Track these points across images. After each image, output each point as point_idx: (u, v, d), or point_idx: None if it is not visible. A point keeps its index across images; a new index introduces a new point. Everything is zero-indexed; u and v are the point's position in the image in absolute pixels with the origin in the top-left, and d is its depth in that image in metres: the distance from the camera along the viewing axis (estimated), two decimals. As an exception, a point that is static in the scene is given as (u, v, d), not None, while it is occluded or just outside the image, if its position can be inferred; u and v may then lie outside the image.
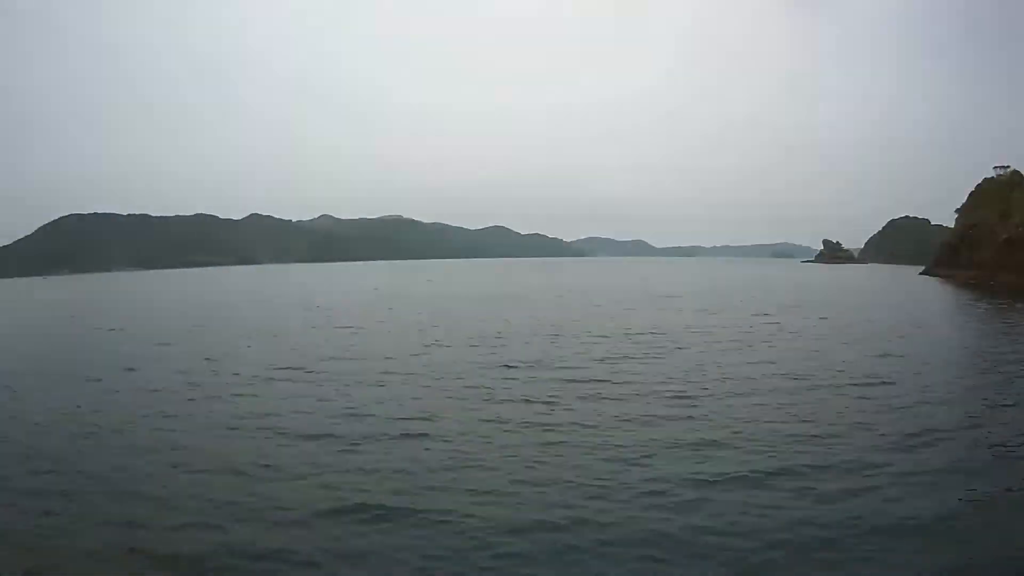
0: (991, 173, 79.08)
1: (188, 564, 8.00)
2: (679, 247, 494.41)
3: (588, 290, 67.58)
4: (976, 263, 66.81)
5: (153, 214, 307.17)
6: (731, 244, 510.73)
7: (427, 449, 12.49)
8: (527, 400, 16.67)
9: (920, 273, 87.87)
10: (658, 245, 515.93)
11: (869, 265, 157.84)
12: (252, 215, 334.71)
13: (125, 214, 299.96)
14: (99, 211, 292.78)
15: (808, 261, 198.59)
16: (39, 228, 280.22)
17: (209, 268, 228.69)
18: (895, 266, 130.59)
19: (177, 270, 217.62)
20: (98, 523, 9.14)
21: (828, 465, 11.45)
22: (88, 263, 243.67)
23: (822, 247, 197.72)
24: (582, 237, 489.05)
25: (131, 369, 22.18)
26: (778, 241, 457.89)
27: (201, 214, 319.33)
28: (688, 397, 16.89)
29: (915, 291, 62.80)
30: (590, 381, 18.96)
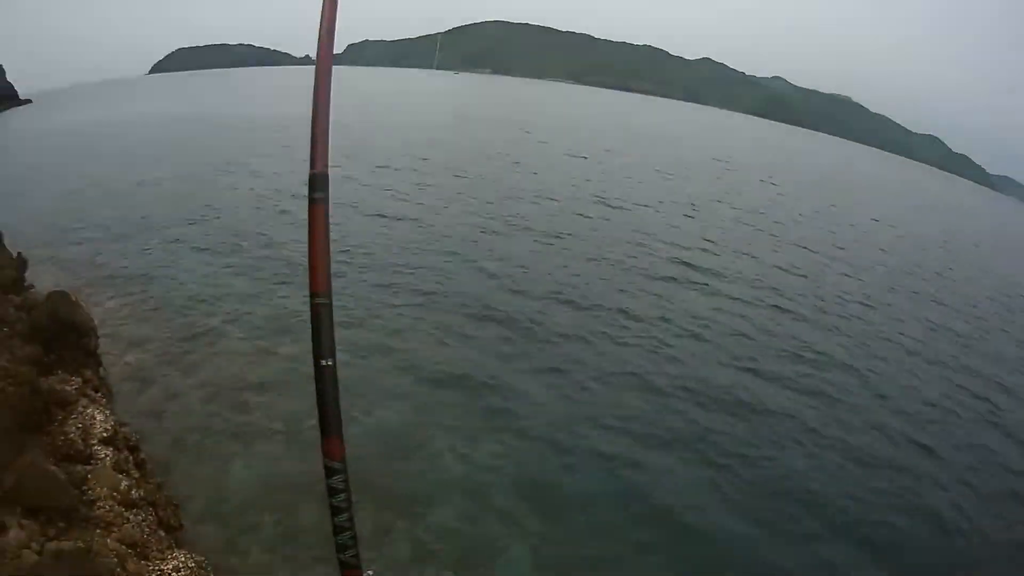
0: None
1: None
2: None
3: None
4: None
5: (596, 35, 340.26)
6: None
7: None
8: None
9: None
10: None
11: None
12: (705, 59, 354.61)
13: (564, 30, 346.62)
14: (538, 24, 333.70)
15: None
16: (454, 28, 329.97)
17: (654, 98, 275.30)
18: None
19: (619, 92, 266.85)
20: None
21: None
22: (516, 68, 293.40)
23: None
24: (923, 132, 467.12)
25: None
26: None
27: (650, 46, 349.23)
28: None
29: None
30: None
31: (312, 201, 1.53)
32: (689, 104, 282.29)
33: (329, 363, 1.47)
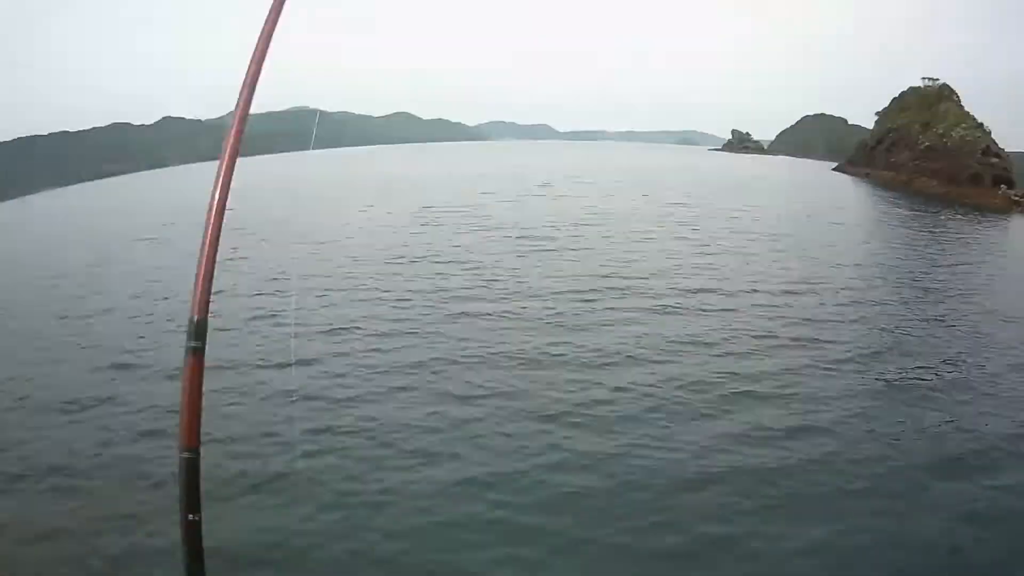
0: (917, 83, 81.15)
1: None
2: (583, 131, 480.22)
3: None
4: (893, 166, 71.20)
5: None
6: (635, 130, 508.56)
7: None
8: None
9: (832, 169, 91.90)
10: (562, 129, 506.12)
11: (778, 157, 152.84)
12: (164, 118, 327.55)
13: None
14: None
15: (715, 150, 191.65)
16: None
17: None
18: (807, 160, 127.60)
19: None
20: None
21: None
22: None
23: (730, 136, 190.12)
24: (484, 121, 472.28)
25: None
26: (683, 128, 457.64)
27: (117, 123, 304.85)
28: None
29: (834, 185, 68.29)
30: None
31: (191, 351, 1.46)
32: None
33: (196, 518, 1.46)
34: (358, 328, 15.43)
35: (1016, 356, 14.56)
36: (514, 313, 16.82)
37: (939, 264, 28.06)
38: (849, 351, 14.57)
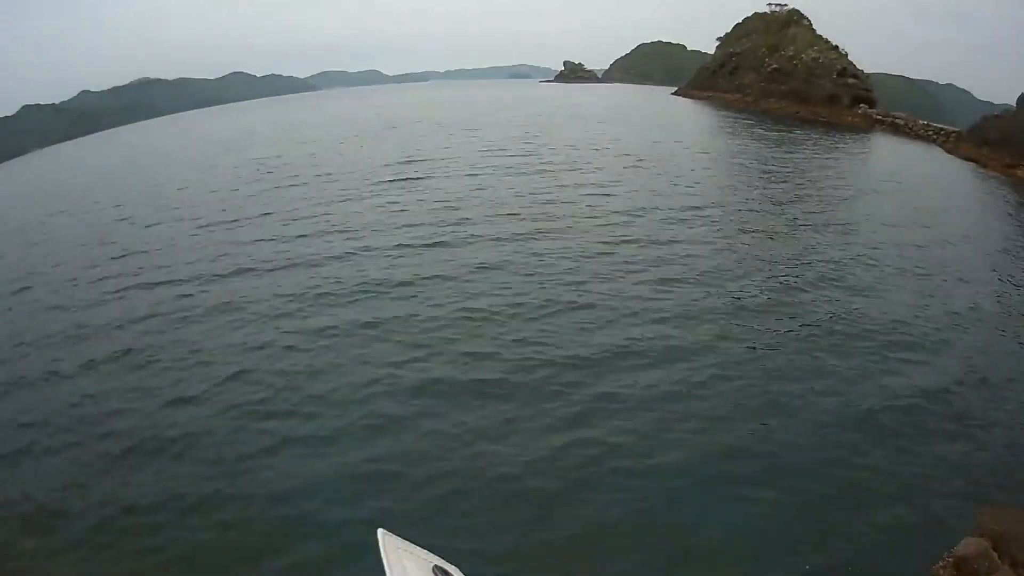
0: (763, 9, 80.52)
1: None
2: (412, 73, 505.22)
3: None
4: (737, 88, 69.94)
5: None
6: (466, 68, 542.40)
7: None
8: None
9: (672, 94, 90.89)
10: (391, 73, 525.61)
11: (614, 84, 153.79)
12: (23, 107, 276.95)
13: None
14: None
15: (547, 81, 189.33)
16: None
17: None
18: (644, 86, 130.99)
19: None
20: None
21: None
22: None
23: (562, 68, 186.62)
24: (316, 73, 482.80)
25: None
26: (516, 63, 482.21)
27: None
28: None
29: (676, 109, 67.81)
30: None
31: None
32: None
33: None
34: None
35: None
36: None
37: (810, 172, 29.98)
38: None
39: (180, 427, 10.43)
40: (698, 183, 26.82)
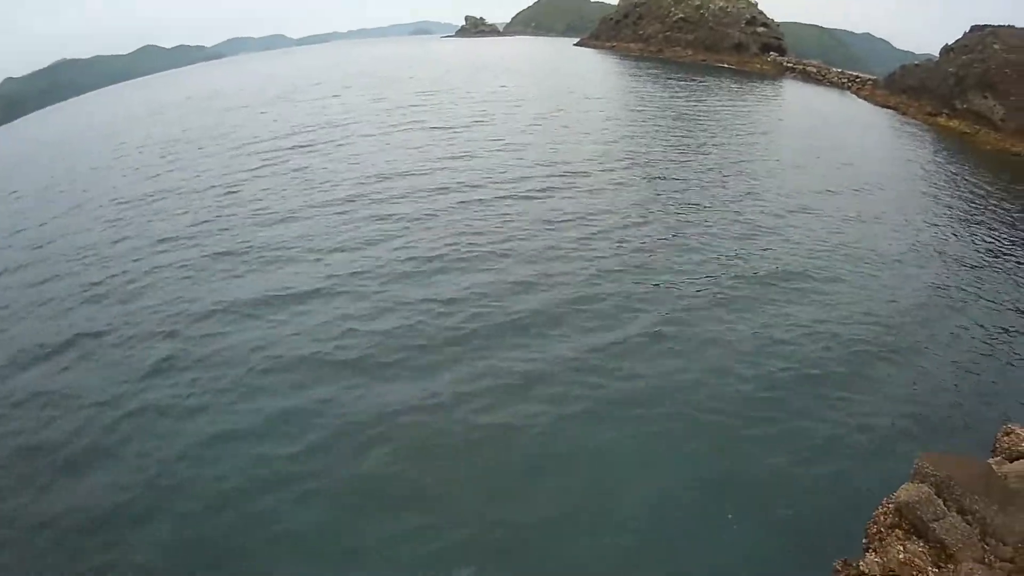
0: None
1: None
2: (316, 35, 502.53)
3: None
4: (641, 38, 70.25)
5: None
6: (368, 27, 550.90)
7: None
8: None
9: (574, 44, 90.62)
10: (295, 36, 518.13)
11: (516, 37, 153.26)
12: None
13: None
14: None
15: (448, 36, 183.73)
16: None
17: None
18: (547, 38, 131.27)
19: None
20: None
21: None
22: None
23: (463, 23, 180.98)
24: (222, 41, 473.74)
25: None
26: (416, 20, 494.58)
27: None
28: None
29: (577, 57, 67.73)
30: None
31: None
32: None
33: None
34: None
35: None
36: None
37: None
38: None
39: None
40: (605, 134, 26.75)
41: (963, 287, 13.79)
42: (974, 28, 35.44)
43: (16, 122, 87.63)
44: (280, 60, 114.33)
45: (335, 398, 10.30)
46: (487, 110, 32.55)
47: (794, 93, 42.98)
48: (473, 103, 34.89)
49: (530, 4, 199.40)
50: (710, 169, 21.90)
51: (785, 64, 53.76)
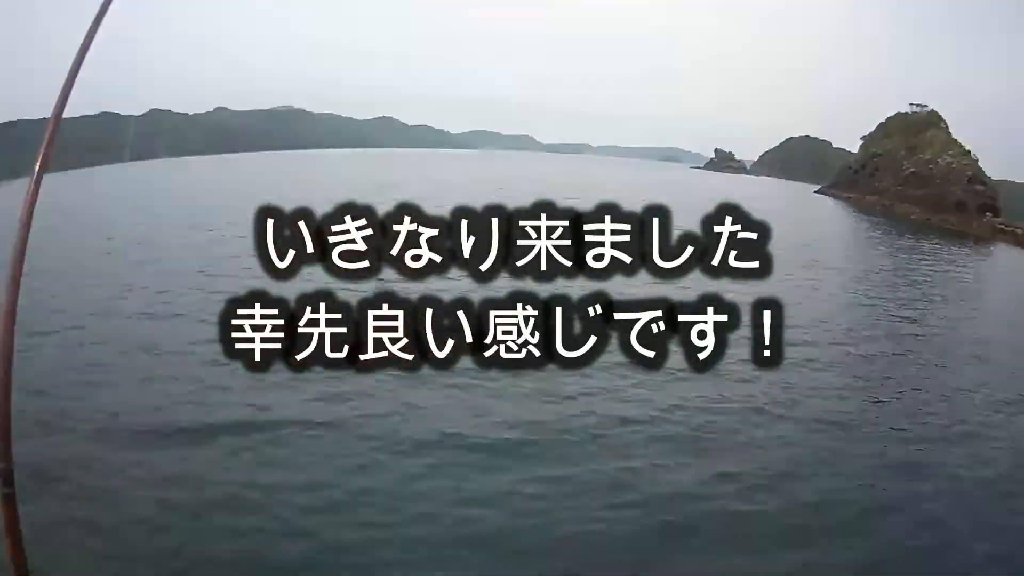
0: (905, 108, 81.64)
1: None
2: (566, 144, 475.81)
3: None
4: (876, 191, 71.97)
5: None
6: (619, 144, 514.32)
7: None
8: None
9: (815, 192, 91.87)
10: (545, 141, 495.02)
11: (762, 178, 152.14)
12: (152, 110, 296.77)
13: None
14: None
15: (697, 167, 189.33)
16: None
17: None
18: (791, 183, 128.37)
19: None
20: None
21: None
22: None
23: (713, 155, 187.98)
24: (467, 130, 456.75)
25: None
26: (666, 145, 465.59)
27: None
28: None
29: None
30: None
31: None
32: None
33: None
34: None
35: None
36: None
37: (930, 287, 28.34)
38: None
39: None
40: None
41: None
42: None
43: (229, 155, 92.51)
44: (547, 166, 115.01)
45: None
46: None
47: (1005, 258, 41.72)
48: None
49: (777, 143, 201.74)
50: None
51: (997, 226, 52.35)
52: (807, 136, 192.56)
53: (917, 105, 79.01)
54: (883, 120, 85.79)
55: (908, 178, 67.16)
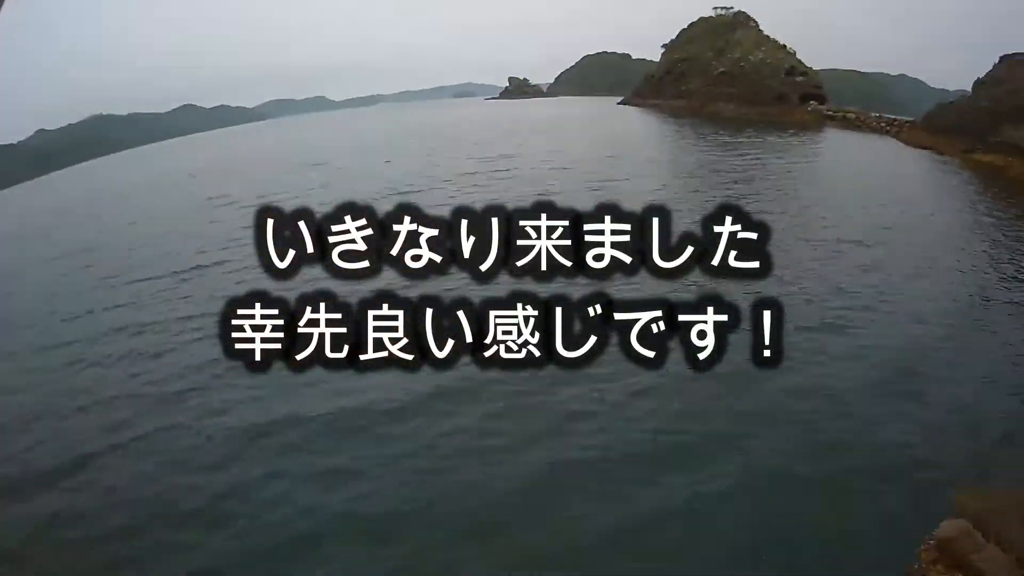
0: (710, 13, 75.90)
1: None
2: (360, 98, 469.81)
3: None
4: (684, 94, 68.00)
5: None
6: (411, 89, 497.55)
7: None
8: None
9: (618, 103, 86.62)
10: (338, 99, 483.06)
11: (560, 98, 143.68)
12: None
13: None
14: None
15: (492, 98, 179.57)
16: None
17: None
18: (591, 98, 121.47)
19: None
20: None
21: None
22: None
23: (508, 84, 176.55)
24: (264, 101, 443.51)
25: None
26: (460, 82, 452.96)
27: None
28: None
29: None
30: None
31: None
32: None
33: None
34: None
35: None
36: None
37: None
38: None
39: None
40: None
41: (995, 303, 13.72)
42: (1003, 58, 33.65)
43: (51, 175, 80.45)
44: (328, 124, 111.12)
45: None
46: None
47: (835, 141, 41.52)
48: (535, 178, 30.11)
49: (573, 64, 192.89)
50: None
51: (825, 113, 51.97)
52: (603, 52, 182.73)
53: (723, 8, 73.88)
54: (685, 27, 79.67)
55: (719, 78, 63.30)
